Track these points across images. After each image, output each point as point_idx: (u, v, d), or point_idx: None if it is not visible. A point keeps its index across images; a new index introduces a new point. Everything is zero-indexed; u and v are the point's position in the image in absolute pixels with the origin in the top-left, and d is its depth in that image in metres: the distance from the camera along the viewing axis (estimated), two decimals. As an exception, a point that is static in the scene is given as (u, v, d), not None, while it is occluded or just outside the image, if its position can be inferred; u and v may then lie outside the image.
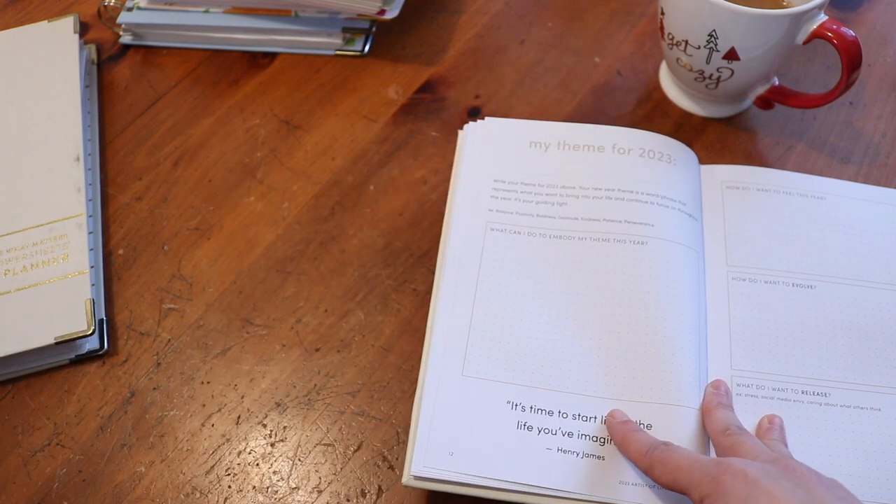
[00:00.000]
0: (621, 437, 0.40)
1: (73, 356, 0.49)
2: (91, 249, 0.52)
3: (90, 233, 0.52)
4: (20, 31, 0.62)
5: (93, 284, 0.50)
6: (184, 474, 0.44)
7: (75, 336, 0.47)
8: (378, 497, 0.44)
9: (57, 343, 0.47)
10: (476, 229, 0.49)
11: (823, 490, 0.34)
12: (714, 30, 0.49)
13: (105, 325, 0.50)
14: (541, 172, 0.51)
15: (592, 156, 0.51)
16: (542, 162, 0.51)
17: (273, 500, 0.44)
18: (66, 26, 0.61)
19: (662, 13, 0.53)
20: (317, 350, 0.49)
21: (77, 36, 0.61)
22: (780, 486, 0.34)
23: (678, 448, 0.39)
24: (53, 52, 0.60)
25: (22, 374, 0.48)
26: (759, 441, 0.40)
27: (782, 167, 0.55)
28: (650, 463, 0.38)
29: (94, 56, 0.63)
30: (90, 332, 0.47)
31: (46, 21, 0.62)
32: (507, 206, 0.50)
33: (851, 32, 0.48)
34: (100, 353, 0.49)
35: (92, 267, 0.51)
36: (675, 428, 0.41)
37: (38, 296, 0.49)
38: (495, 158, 0.52)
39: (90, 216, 0.53)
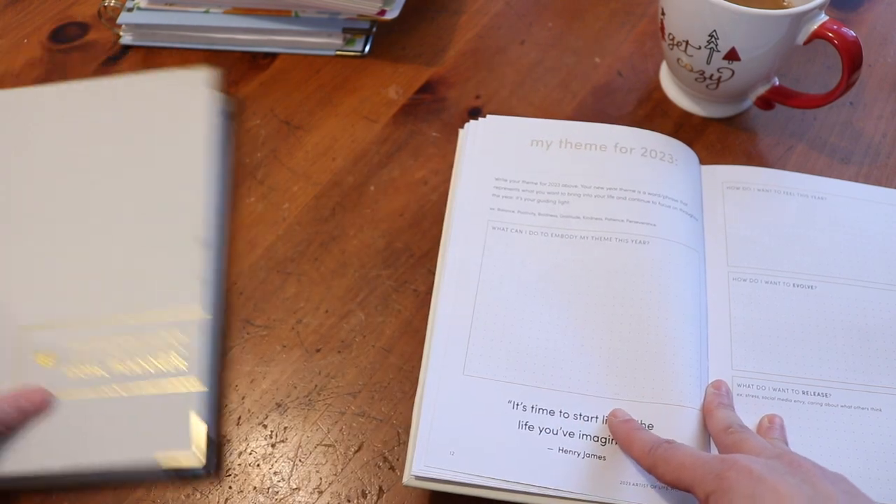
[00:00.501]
0: (624, 436, 0.40)
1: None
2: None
3: None
4: (151, 78, 0.58)
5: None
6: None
7: (185, 468, 0.42)
8: (379, 497, 0.44)
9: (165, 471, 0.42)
10: (477, 228, 0.49)
11: (828, 484, 0.34)
12: (714, 30, 0.49)
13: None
14: (542, 171, 0.51)
15: (594, 154, 0.51)
16: (543, 160, 0.51)
17: (274, 500, 0.44)
18: (199, 79, 0.57)
19: (663, 13, 0.53)
20: (317, 351, 0.49)
21: (211, 92, 0.56)
22: (786, 482, 0.33)
23: (682, 446, 0.38)
24: (184, 107, 0.55)
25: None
26: (762, 438, 0.40)
27: (783, 167, 0.55)
28: (654, 461, 0.38)
29: (230, 107, 0.58)
30: (201, 468, 0.42)
31: (179, 69, 0.58)
32: (508, 205, 0.50)
33: (852, 33, 0.48)
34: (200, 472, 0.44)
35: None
36: (677, 428, 0.41)
37: (144, 406, 0.44)
38: (497, 157, 0.52)
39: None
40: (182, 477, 0.44)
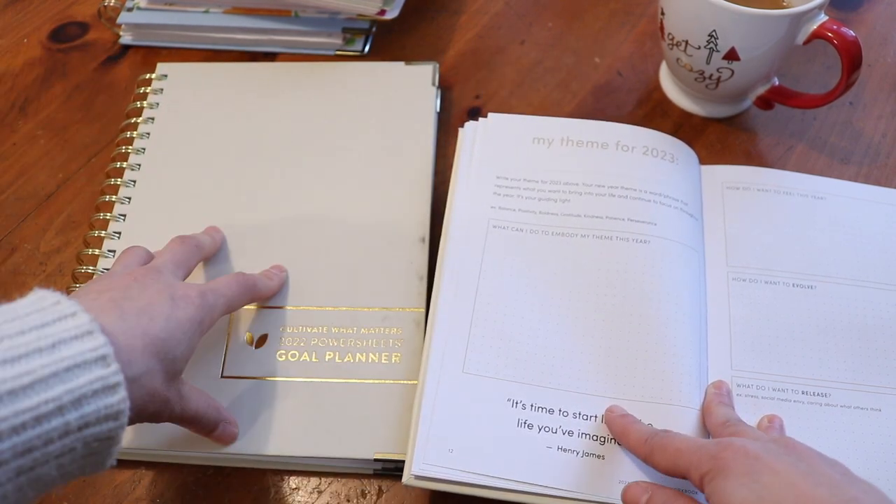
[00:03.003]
0: (621, 429, 0.40)
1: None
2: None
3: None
4: (378, 67, 0.59)
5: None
6: (184, 475, 0.44)
7: (398, 459, 0.42)
8: (378, 497, 0.44)
9: (376, 460, 0.42)
10: (478, 226, 0.49)
11: (825, 465, 0.34)
12: (714, 30, 0.49)
13: None
14: (544, 169, 0.51)
15: (596, 152, 0.51)
16: (545, 158, 0.51)
17: (273, 500, 0.44)
18: (425, 74, 0.58)
19: (662, 13, 0.53)
20: (317, 350, 0.48)
21: (435, 89, 0.57)
22: (783, 461, 0.33)
23: (678, 434, 0.38)
24: (412, 100, 0.56)
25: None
26: (760, 431, 0.40)
27: (782, 167, 0.55)
28: (650, 449, 0.38)
29: (437, 101, 0.58)
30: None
31: (404, 63, 0.59)
32: (509, 203, 0.50)
33: (851, 32, 0.48)
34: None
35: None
36: (675, 428, 0.41)
37: (360, 393, 0.45)
38: (498, 155, 0.52)
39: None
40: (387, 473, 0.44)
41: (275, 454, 0.43)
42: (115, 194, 0.53)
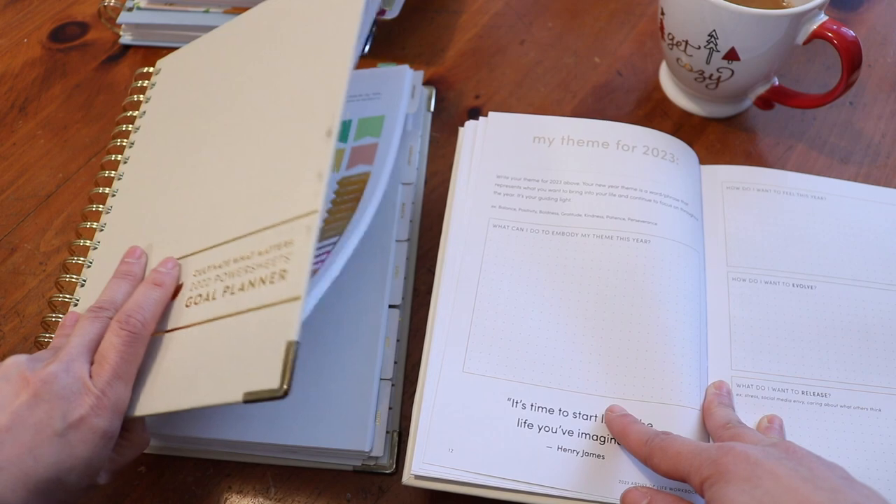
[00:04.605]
0: (621, 429, 0.40)
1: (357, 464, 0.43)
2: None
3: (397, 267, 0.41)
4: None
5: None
6: (184, 475, 0.44)
7: (264, 394, 0.33)
8: (379, 497, 0.44)
9: (246, 402, 0.34)
10: (478, 225, 0.49)
11: (825, 469, 0.34)
12: (714, 30, 0.49)
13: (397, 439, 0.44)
14: (544, 168, 0.51)
15: (597, 152, 0.51)
16: (545, 157, 0.51)
17: (273, 500, 0.44)
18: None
19: (662, 13, 0.53)
20: (317, 350, 0.48)
21: None
22: (783, 465, 0.33)
23: (678, 436, 0.38)
24: (334, 15, 0.44)
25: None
26: (759, 433, 0.40)
27: (782, 167, 0.55)
28: (650, 451, 0.38)
29: (430, 101, 0.57)
30: (280, 390, 0.33)
31: None
32: (509, 203, 0.50)
33: (851, 32, 0.48)
34: (387, 471, 0.44)
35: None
36: (675, 428, 0.41)
37: (241, 327, 0.37)
38: (499, 154, 0.52)
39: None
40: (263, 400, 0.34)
41: (153, 412, 0.38)
42: (109, 187, 0.52)
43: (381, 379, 0.45)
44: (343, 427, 0.43)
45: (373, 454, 0.43)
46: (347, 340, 0.46)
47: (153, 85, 0.57)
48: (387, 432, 0.45)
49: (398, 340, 0.48)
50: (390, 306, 0.48)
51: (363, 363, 0.45)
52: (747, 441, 0.37)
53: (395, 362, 0.47)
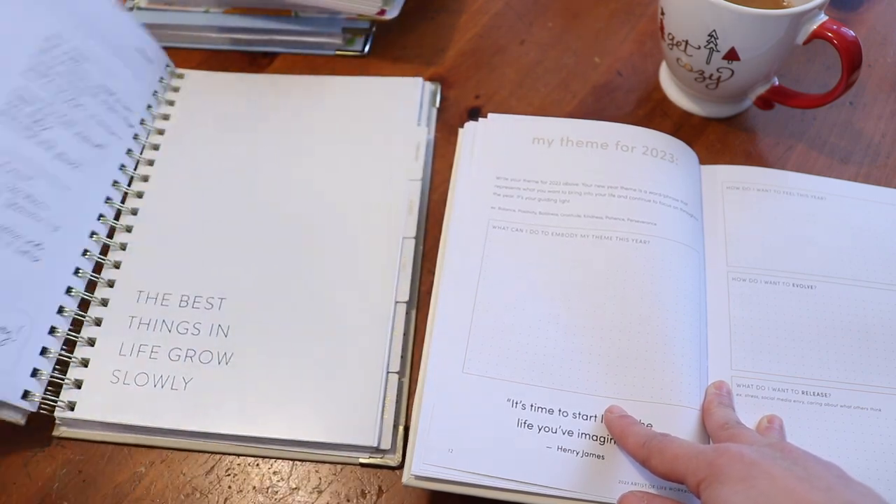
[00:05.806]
0: (619, 430, 0.40)
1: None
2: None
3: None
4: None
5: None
6: (184, 475, 0.44)
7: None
8: (378, 497, 0.44)
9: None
10: (478, 227, 0.49)
11: (821, 469, 0.34)
12: (714, 30, 0.49)
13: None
14: (544, 169, 0.51)
15: (596, 152, 0.51)
16: (545, 158, 0.51)
17: (273, 500, 0.44)
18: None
19: (662, 13, 0.53)
20: (317, 350, 0.48)
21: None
22: (779, 466, 0.33)
23: (676, 438, 0.38)
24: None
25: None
26: (757, 434, 0.40)
27: (782, 167, 0.55)
28: (648, 453, 0.38)
29: (436, 97, 0.59)
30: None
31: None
32: (509, 204, 0.50)
33: (851, 33, 0.48)
34: (392, 465, 0.45)
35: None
36: (675, 428, 0.41)
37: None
38: (498, 155, 0.52)
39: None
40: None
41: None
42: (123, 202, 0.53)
43: (388, 372, 0.46)
44: (350, 422, 0.44)
45: (381, 447, 0.43)
46: (355, 336, 0.47)
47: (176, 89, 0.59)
48: (394, 426, 0.45)
49: (405, 335, 0.48)
50: (397, 302, 0.48)
51: (371, 357, 0.46)
52: (744, 441, 0.37)
53: (402, 357, 0.47)
